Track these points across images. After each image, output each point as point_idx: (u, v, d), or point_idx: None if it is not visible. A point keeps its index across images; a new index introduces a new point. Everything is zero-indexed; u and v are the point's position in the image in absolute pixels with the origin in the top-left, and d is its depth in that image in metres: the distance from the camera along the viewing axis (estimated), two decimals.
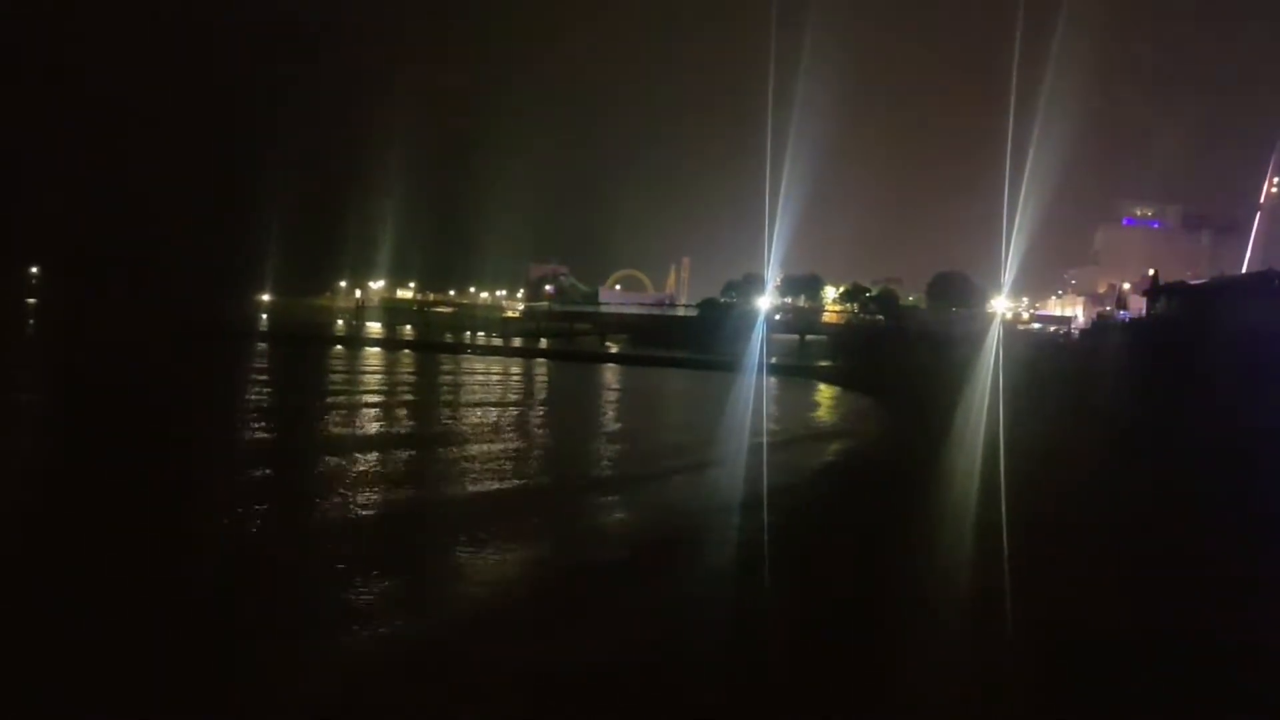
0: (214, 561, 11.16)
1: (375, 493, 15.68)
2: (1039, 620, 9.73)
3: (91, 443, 19.06)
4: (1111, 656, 8.76)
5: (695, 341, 79.62)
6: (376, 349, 66.31)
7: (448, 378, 44.16)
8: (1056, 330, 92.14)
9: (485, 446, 21.76)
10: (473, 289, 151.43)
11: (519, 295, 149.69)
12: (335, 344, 67.77)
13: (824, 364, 65.83)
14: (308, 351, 56.53)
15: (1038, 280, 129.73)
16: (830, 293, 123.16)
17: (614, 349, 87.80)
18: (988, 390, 29.42)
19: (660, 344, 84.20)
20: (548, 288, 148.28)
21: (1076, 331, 79.85)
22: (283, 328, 78.56)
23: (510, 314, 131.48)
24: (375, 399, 32.95)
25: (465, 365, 52.85)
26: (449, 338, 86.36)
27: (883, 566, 11.88)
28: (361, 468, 17.97)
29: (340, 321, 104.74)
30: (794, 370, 59.87)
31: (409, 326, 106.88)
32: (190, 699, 7.47)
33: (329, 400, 31.56)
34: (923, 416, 30.42)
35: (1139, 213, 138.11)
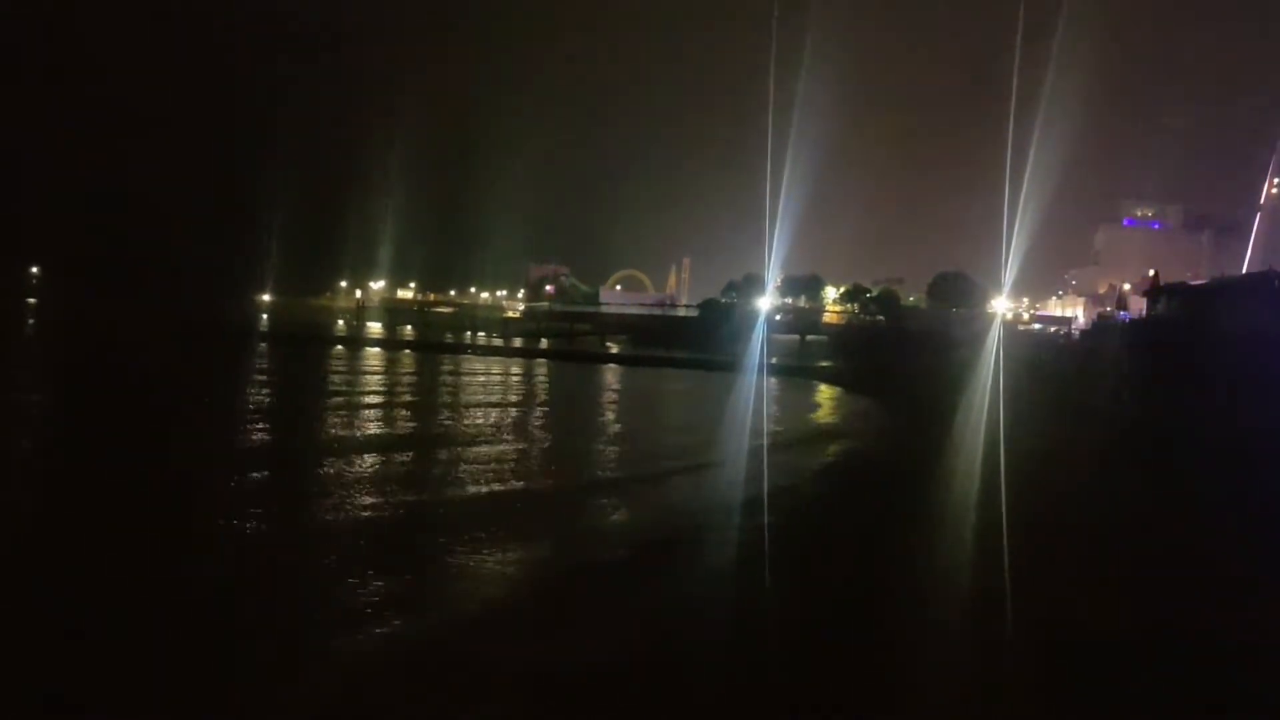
0: (214, 561, 11.18)
1: (376, 493, 15.68)
2: (1039, 620, 9.75)
3: (92, 443, 19.05)
4: (1111, 656, 8.77)
5: (696, 342, 79.58)
6: (377, 349, 66.28)
7: (448, 378, 44.11)
8: (1057, 331, 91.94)
9: (486, 447, 21.78)
10: (473, 289, 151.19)
11: (519, 295, 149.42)
12: (336, 344, 67.75)
13: (824, 364, 65.80)
14: (308, 352, 56.47)
15: (1038, 280, 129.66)
16: (831, 293, 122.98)
17: (614, 349, 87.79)
18: (988, 390, 29.42)
19: (661, 344, 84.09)
20: (548, 288, 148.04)
21: (1077, 332, 79.69)
22: (283, 328, 78.38)
23: (511, 314, 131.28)
24: (376, 399, 32.93)
25: (466, 365, 52.83)
26: (449, 338, 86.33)
27: (883, 566, 11.90)
28: (362, 468, 17.98)
29: (341, 322, 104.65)
30: (794, 371, 59.90)
31: (409, 327, 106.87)
32: (190, 699, 7.47)
33: (329, 401, 31.55)
34: (923, 417, 30.46)
35: (1139, 213, 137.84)
